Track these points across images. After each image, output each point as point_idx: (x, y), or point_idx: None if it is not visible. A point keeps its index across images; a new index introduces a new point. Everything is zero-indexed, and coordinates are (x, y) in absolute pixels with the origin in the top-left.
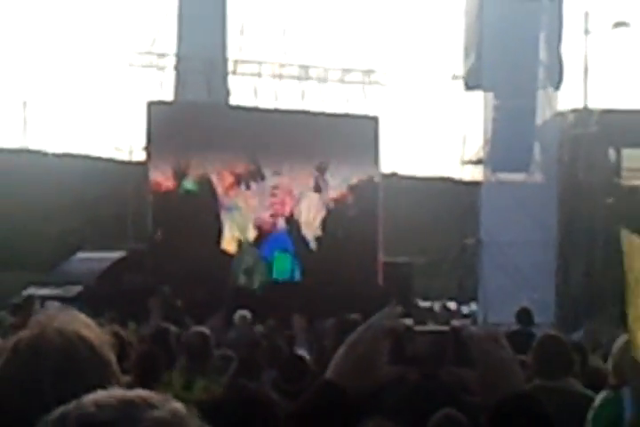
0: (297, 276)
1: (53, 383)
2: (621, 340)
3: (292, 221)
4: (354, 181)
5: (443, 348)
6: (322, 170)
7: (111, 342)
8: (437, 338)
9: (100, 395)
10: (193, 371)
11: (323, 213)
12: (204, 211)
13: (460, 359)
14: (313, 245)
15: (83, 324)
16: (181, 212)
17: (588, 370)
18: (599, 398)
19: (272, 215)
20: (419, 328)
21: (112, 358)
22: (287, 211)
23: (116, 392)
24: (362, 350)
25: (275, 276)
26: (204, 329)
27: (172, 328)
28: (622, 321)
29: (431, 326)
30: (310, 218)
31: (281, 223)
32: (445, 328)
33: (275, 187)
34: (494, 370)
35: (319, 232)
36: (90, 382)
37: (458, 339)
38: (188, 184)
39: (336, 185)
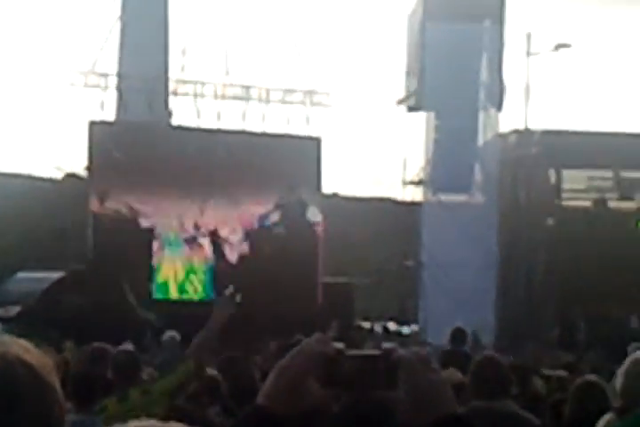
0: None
1: None
2: (631, 360)
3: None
4: (284, 200)
5: (374, 371)
6: (255, 189)
7: (54, 365)
8: (369, 362)
9: None
10: (123, 388)
11: (240, 230)
12: (138, 238)
13: (391, 383)
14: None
15: (23, 348)
16: (119, 235)
17: (528, 392)
18: (604, 420)
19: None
20: (350, 352)
21: (55, 382)
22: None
23: None
24: (292, 374)
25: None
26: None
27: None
28: (560, 343)
29: (363, 350)
30: (226, 232)
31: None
32: (377, 352)
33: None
34: (424, 393)
35: (244, 248)
36: (31, 408)
37: (388, 362)
38: (123, 210)
39: (265, 203)
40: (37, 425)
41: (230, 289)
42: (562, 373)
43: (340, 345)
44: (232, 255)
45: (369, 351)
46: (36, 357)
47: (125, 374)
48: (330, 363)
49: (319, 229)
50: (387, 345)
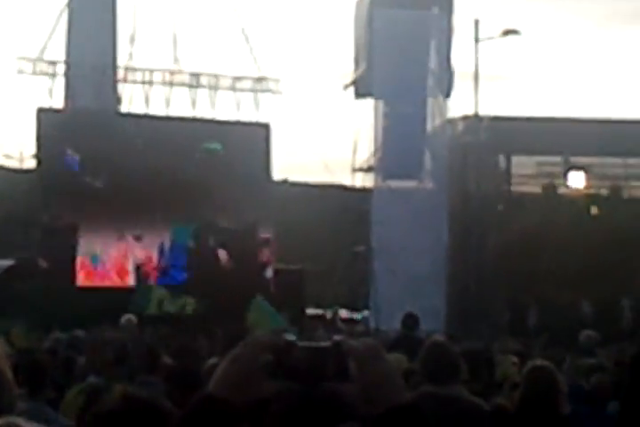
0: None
1: None
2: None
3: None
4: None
5: (324, 362)
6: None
7: (5, 352)
8: (319, 353)
9: None
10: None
11: None
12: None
13: (341, 374)
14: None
15: None
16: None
17: (481, 377)
18: None
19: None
20: (301, 343)
21: (6, 369)
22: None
23: None
24: (243, 363)
25: None
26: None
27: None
28: (511, 329)
29: (313, 342)
30: None
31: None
32: (327, 343)
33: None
34: (374, 384)
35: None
36: None
37: (338, 354)
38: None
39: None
40: None
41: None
42: (512, 358)
43: (291, 336)
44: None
45: (320, 343)
46: None
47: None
48: (280, 354)
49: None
50: (337, 337)
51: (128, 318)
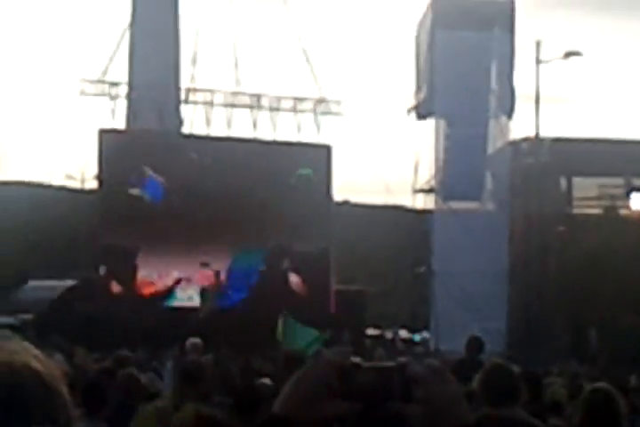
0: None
1: (1, 416)
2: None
3: None
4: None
5: (389, 384)
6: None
7: (62, 373)
8: (384, 374)
9: None
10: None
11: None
12: None
13: (406, 395)
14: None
15: (32, 355)
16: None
17: (540, 399)
18: None
19: None
20: (366, 364)
21: (63, 389)
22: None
23: None
24: (309, 384)
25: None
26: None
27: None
28: (572, 350)
29: (378, 363)
30: None
31: None
32: (392, 364)
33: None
34: (439, 406)
35: None
36: (38, 414)
37: (403, 375)
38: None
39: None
40: None
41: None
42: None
43: (356, 358)
44: None
45: (385, 364)
46: (43, 364)
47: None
48: (346, 375)
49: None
50: (401, 359)
51: (193, 342)
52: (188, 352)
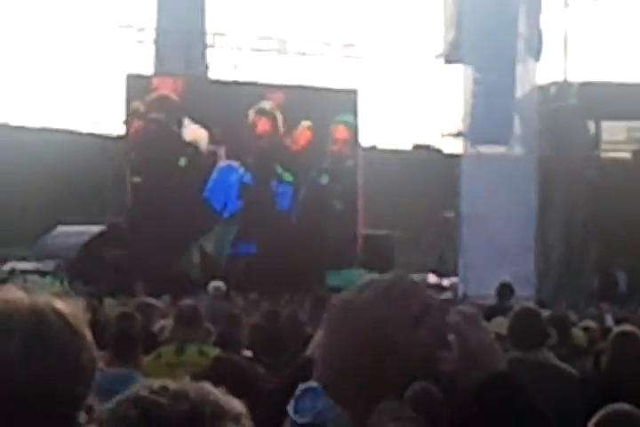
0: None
1: (23, 356)
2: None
3: None
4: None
5: None
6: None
7: (86, 315)
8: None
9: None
10: (184, 340)
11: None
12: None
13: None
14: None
15: (56, 298)
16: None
17: (568, 343)
18: None
19: None
20: None
21: (86, 331)
22: None
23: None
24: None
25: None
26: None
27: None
28: (602, 294)
29: None
30: None
31: None
32: None
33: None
34: (472, 353)
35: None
36: (61, 352)
37: None
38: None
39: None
40: (67, 370)
41: None
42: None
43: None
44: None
45: None
46: (67, 306)
47: (188, 325)
48: None
49: (359, 180)
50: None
51: (216, 286)
52: (210, 297)
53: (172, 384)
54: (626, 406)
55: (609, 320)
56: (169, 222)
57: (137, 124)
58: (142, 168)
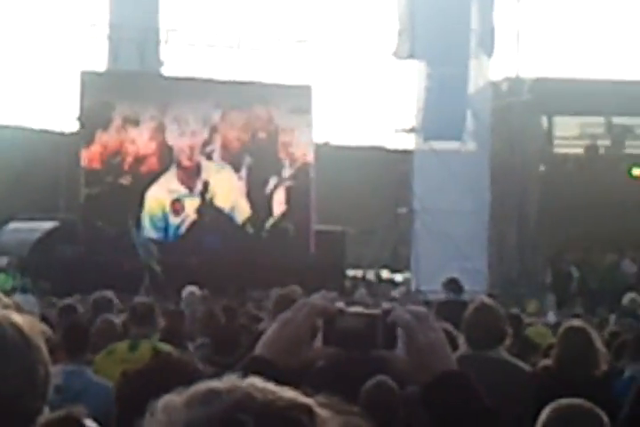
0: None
1: None
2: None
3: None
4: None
5: (372, 330)
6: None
7: (40, 327)
8: (367, 321)
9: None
10: (138, 337)
11: (243, 185)
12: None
13: (389, 342)
14: (236, 216)
15: (13, 310)
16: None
17: (520, 339)
18: None
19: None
20: (350, 310)
21: (41, 343)
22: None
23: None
24: (293, 328)
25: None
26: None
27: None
28: (554, 288)
29: (362, 309)
30: (226, 190)
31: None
32: (377, 311)
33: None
34: (422, 353)
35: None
36: (18, 366)
37: (387, 322)
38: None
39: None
40: (23, 382)
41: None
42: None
43: (340, 304)
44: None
45: (370, 311)
46: (24, 318)
47: (142, 322)
48: (331, 319)
49: (311, 176)
50: (385, 305)
51: (191, 290)
52: (184, 302)
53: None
54: (574, 401)
55: (551, 316)
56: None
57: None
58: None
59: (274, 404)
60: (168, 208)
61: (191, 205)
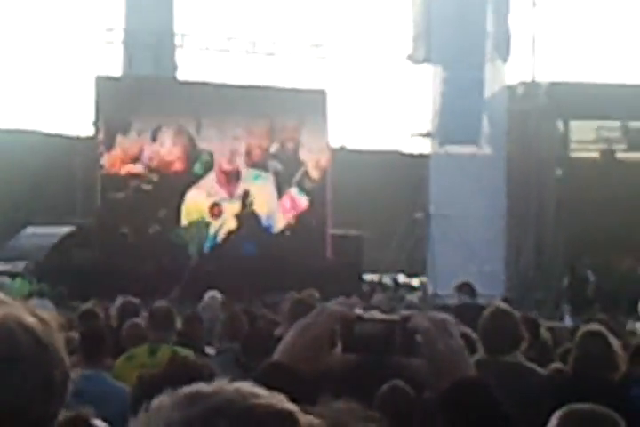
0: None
1: None
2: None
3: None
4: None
5: (391, 337)
6: (269, 144)
7: (59, 326)
8: (386, 327)
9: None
10: (158, 341)
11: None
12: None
13: (408, 349)
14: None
15: (26, 310)
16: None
17: (538, 343)
18: None
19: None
20: (368, 316)
21: (58, 344)
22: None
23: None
24: (312, 334)
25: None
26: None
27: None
28: (571, 293)
29: (381, 315)
30: (264, 197)
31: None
32: (395, 317)
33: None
34: (441, 360)
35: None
36: (32, 372)
37: (406, 329)
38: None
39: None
40: (38, 388)
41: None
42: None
43: (359, 311)
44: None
45: (388, 317)
46: (38, 319)
47: (161, 327)
48: (350, 325)
49: (327, 180)
50: (404, 311)
51: (212, 295)
52: (206, 307)
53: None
54: (586, 406)
55: (567, 320)
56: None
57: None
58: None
59: (253, 410)
60: (207, 212)
61: (231, 209)
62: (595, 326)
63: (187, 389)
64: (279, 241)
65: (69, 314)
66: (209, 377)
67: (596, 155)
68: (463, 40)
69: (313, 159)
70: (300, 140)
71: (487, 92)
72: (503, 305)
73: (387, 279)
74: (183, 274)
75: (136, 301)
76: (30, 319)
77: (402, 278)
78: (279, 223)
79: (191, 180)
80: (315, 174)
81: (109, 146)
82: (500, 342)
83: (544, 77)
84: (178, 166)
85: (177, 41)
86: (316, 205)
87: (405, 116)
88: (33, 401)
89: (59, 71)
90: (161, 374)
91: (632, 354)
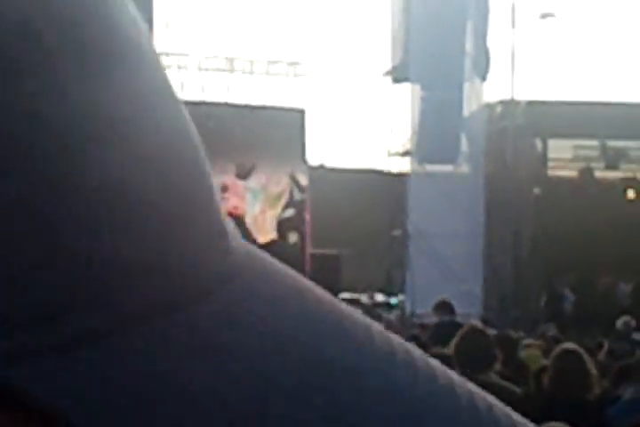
0: None
1: None
2: None
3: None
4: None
5: None
6: (247, 166)
7: None
8: None
9: None
10: None
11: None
12: None
13: None
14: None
15: None
16: None
17: (513, 362)
18: None
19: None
20: None
21: None
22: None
23: None
24: None
25: None
26: None
27: None
28: (548, 311)
29: None
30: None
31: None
32: None
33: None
34: None
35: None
36: None
37: None
38: None
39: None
40: None
41: None
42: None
43: None
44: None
45: None
46: None
47: None
48: None
49: (305, 199)
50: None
51: None
52: None
53: None
54: (561, 425)
55: None
56: None
57: None
58: None
59: None
60: None
61: None
62: (570, 345)
63: None
64: None
65: None
66: None
67: (574, 173)
68: (442, 59)
69: (290, 177)
70: (279, 158)
71: (466, 111)
72: (476, 324)
73: (364, 298)
74: None
75: None
76: None
77: (380, 297)
78: (259, 239)
79: None
80: (293, 193)
81: None
82: (474, 361)
83: (522, 96)
84: None
85: None
86: (294, 223)
87: (384, 135)
88: None
89: None
90: None
91: (615, 374)
